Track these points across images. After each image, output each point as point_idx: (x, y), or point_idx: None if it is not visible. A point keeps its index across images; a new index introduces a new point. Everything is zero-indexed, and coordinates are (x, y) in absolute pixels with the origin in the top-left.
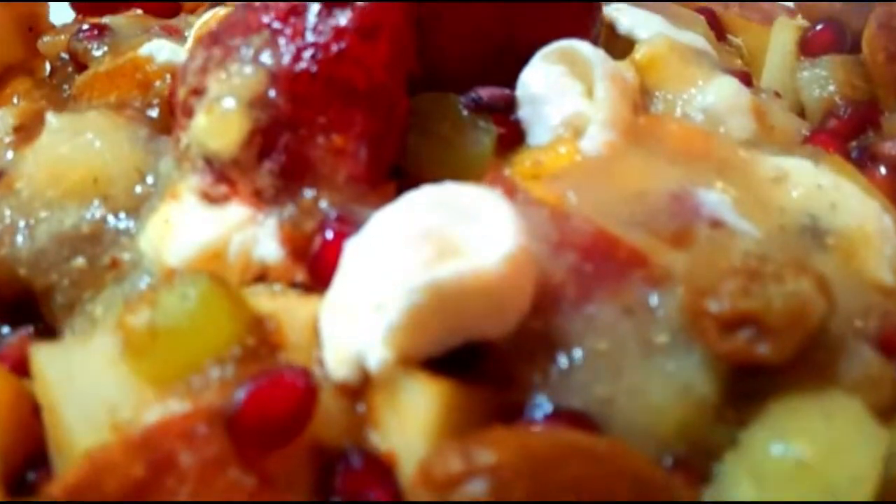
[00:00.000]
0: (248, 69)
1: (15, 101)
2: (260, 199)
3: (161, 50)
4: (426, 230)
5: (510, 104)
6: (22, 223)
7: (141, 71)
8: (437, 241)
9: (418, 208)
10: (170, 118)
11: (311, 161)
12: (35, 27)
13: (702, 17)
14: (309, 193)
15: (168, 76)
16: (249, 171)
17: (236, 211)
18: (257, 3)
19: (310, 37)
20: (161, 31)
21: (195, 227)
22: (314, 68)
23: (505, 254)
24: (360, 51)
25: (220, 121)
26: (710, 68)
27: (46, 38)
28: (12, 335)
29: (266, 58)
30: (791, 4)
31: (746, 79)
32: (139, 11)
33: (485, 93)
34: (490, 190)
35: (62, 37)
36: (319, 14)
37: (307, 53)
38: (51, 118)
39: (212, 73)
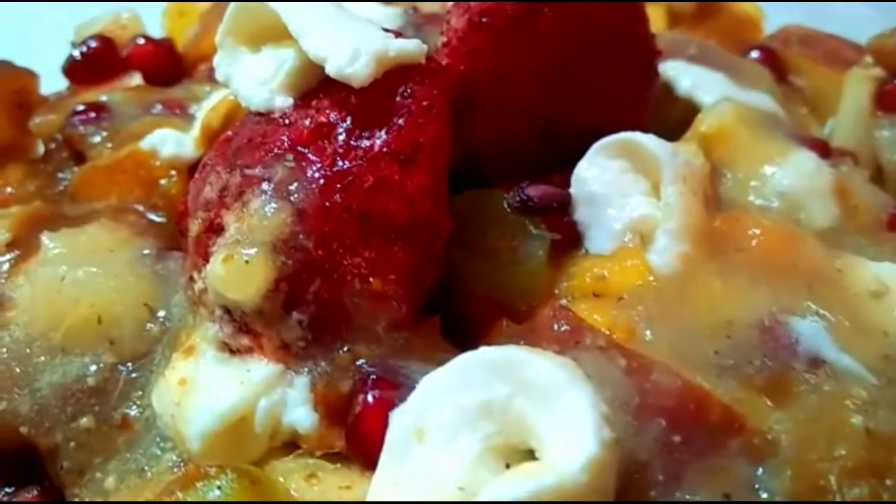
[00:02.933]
0: (271, 206)
1: (9, 190)
2: (288, 353)
3: (165, 142)
4: (486, 404)
5: (564, 204)
6: (20, 370)
7: (143, 167)
8: (499, 418)
9: (475, 375)
10: (176, 224)
11: (345, 309)
12: (25, 102)
13: (766, 70)
14: (344, 347)
15: (173, 172)
16: (275, 323)
17: (261, 369)
18: (277, 115)
19: (340, 163)
20: (163, 110)
21: (215, 392)
22: (347, 203)
23: (588, 459)
24: (398, 179)
25: (241, 271)
26: (785, 141)
27: (38, 119)
28: (15, 496)
29: (291, 191)
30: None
31: (823, 149)
32: (138, 77)
33: (534, 191)
34: (559, 359)
35: (55, 115)
36: (349, 134)
37: (338, 184)
38: (47, 241)
39: (229, 208)
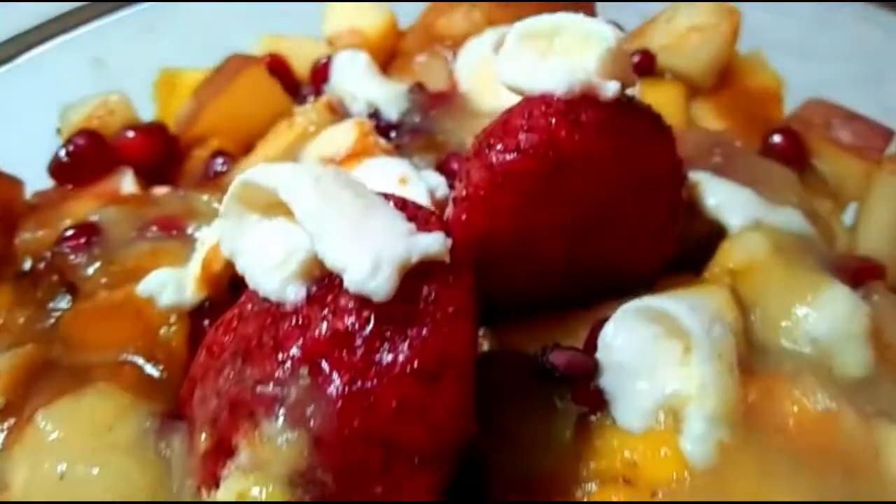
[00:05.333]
0: (286, 436)
1: None
2: None
3: (163, 289)
4: None
5: (590, 373)
6: None
7: (141, 315)
8: None
9: None
10: (180, 408)
11: None
12: (8, 213)
13: (793, 177)
14: None
15: (173, 319)
16: None
17: None
18: (289, 308)
19: (359, 382)
20: (159, 232)
21: None
22: (367, 430)
23: None
24: (424, 401)
25: None
26: (817, 273)
27: (26, 235)
28: None
29: (307, 416)
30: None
31: (856, 274)
32: (129, 174)
33: (559, 359)
34: None
35: (42, 232)
36: (368, 346)
37: (358, 407)
38: (41, 422)
39: (239, 429)
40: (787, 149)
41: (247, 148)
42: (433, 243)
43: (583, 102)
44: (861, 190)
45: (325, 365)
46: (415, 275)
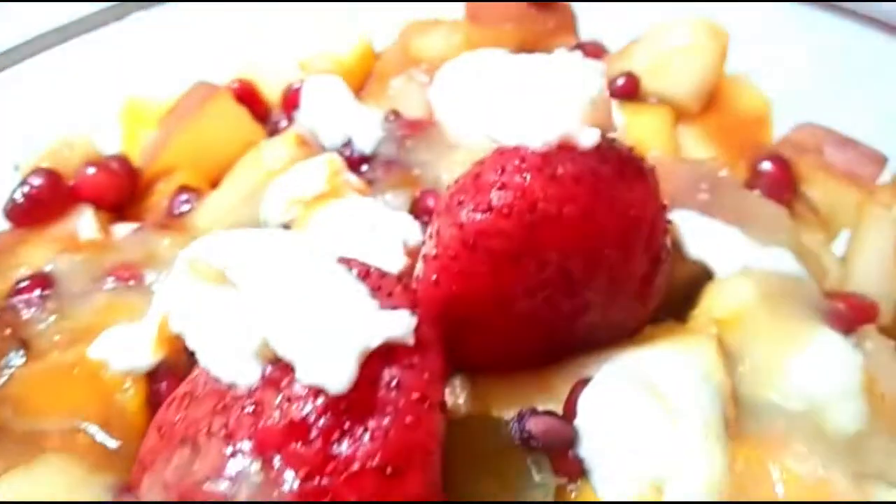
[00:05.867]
0: None
1: None
2: None
3: (117, 351)
4: None
5: (568, 443)
6: None
7: (94, 378)
8: None
9: None
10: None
11: None
12: None
13: (783, 214)
14: None
15: (128, 382)
16: None
17: None
18: (241, 391)
19: (315, 479)
20: (116, 282)
21: None
22: None
23: None
24: (384, 497)
25: None
26: (809, 321)
27: None
28: None
29: None
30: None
31: (849, 320)
32: (88, 209)
33: (536, 427)
34: None
35: None
36: (325, 438)
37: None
38: None
39: None
40: (777, 176)
41: (214, 181)
42: (397, 326)
43: (559, 154)
44: (853, 218)
45: (278, 460)
46: (376, 356)
